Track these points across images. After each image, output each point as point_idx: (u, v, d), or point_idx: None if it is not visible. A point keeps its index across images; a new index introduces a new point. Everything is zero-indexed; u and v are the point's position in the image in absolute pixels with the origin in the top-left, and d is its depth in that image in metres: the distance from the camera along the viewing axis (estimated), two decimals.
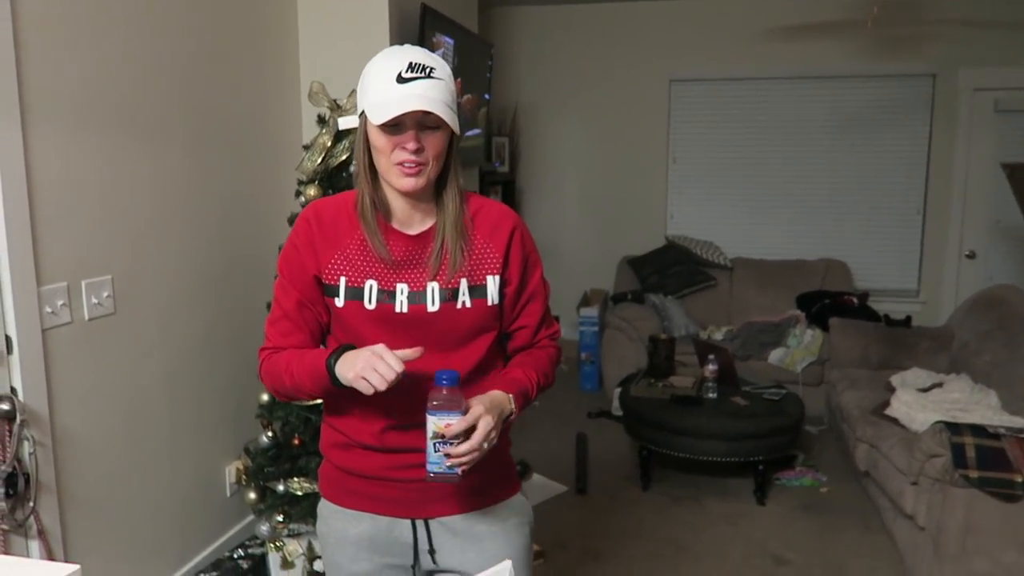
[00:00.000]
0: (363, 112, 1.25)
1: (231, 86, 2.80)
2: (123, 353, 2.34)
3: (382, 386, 1.15)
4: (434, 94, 1.20)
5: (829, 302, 4.69)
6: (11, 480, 1.91)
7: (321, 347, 1.39)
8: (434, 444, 1.18)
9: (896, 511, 2.99)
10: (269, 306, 2.86)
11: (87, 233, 2.19)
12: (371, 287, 1.29)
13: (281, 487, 2.55)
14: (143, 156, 2.38)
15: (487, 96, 4.40)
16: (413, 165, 1.22)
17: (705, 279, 5.10)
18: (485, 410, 1.20)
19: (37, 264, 2.00)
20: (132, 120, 2.33)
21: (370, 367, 1.16)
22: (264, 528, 2.63)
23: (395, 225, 1.31)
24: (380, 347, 1.18)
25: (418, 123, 1.21)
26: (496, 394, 1.27)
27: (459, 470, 1.19)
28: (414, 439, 1.30)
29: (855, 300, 4.70)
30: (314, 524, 2.58)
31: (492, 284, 1.32)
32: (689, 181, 5.45)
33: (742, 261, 5.19)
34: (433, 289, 1.29)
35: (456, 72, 3.52)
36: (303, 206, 2.65)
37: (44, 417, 2.04)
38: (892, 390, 3.50)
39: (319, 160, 2.57)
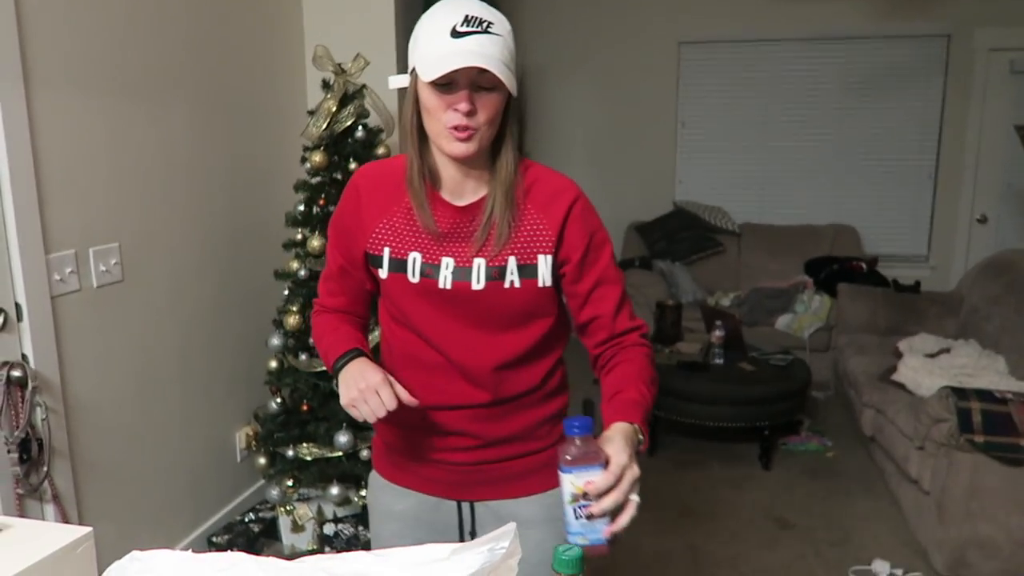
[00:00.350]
0: (413, 69, 1.14)
1: (235, 51, 2.77)
2: (132, 320, 2.36)
3: (371, 419, 1.13)
4: (491, 51, 1.09)
5: (837, 268, 4.67)
6: (25, 446, 1.94)
7: (359, 326, 1.36)
8: (574, 509, 0.97)
9: (901, 475, 3.01)
10: (276, 273, 2.88)
11: (94, 200, 2.18)
12: (415, 260, 1.22)
13: (290, 452, 2.58)
14: (148, 122, 2.37)
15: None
16: (464, 129, 1.12)
17: (713, 245, 5.08)
18: (629, 458, 1.03)
19: (44, 232, 2.01)
20: (137, 86, 2.32)
21: (362, 399, 1.13)
22: (274, 493, 2.67)
23: (443, 194, 1.22)
24: (378, 380, 1.14)
25: (472, 82, 1.10)
26: (625, 429, 1.09)
27: (618, 541, 1.01)
28: (457, 421, 1.28)
29: (864, 266, 4.67)
30: (323, 489, 2.63)
31: (544, 264, 1.21)
32: (698, 146, 5.40)
33: (750, 227, 5.16)
34: (480, 265, 1.20)
35: None
36: (309, 172, 2.64)
37: (55, 384, 2.06)
38: (899, 356, 3.50)
39: (324, 125, 2.55)
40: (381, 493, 1.39)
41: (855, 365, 3.67)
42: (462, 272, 1.21)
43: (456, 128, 1.12)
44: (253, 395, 2.92)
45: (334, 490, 2.59)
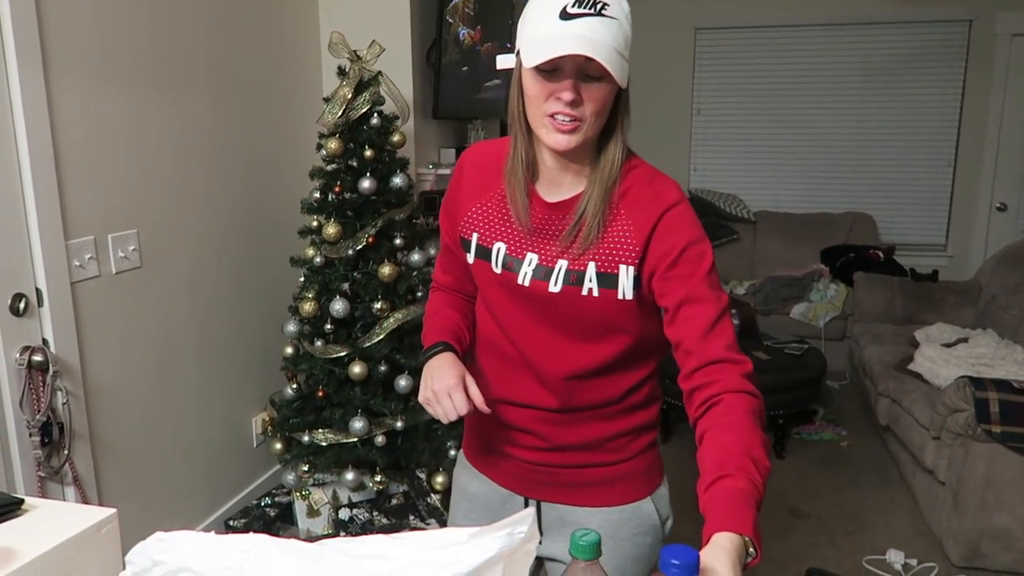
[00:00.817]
0: (519, 51, 1.06)
1: (252, 37, 2.78)
2: (150, 306, 2.38)
3: (444, 420, 1.14)
4: (602, 36, 0.98)
5: (854, 256, 4.64)
6: (46, 429, 1.96)
7: (462, 306, 1.35)
8: None
9: (916, 465, 3.00)
10: (292, 260, 2.90)
11: (112, 187, 2.20)
12: (499, 250, 1.18)
13: (306, 438, 2.60)
14: (166, 109, 2.38)
15: (508, 46, 4.33)
16: (567, 120, 1.03)
17: (728, 233, 5.05)
18: None
19: (64, 218, 2.03)
20: (154, 73, 2.33)
21: (436, 399, 1.13)
22: (290, 477, 2.70)
23: (538, 187, 1.15)
24: (453, 383, 1.13)
25: (579, 70, 1.01)
26: (734, 548, 0.84)
27: None
28: (524, 419, 1.26)
29: (880, 254, 4.63)
30: (338, 474, 2.66)
31: (625, 275, 1.11)
32: (713, 133, 5.36)
33: (766, 214, 5.13)
34: (561, 267, 1.13)
35: (476, 20, 3.46)
36: (324, 159, 2.64)
37: (76, 368, 2.09)
38: (916, 345, 3.47)
39: (340, 112, 2.55)
40: (462, 471, 1.40)
41: (871, 354, 3.65)
42: (543, 271, 1.14)
43: (555, 116, 1.03)
44: (269, 381, 2.94)
45: (349, 475, 2.61)
